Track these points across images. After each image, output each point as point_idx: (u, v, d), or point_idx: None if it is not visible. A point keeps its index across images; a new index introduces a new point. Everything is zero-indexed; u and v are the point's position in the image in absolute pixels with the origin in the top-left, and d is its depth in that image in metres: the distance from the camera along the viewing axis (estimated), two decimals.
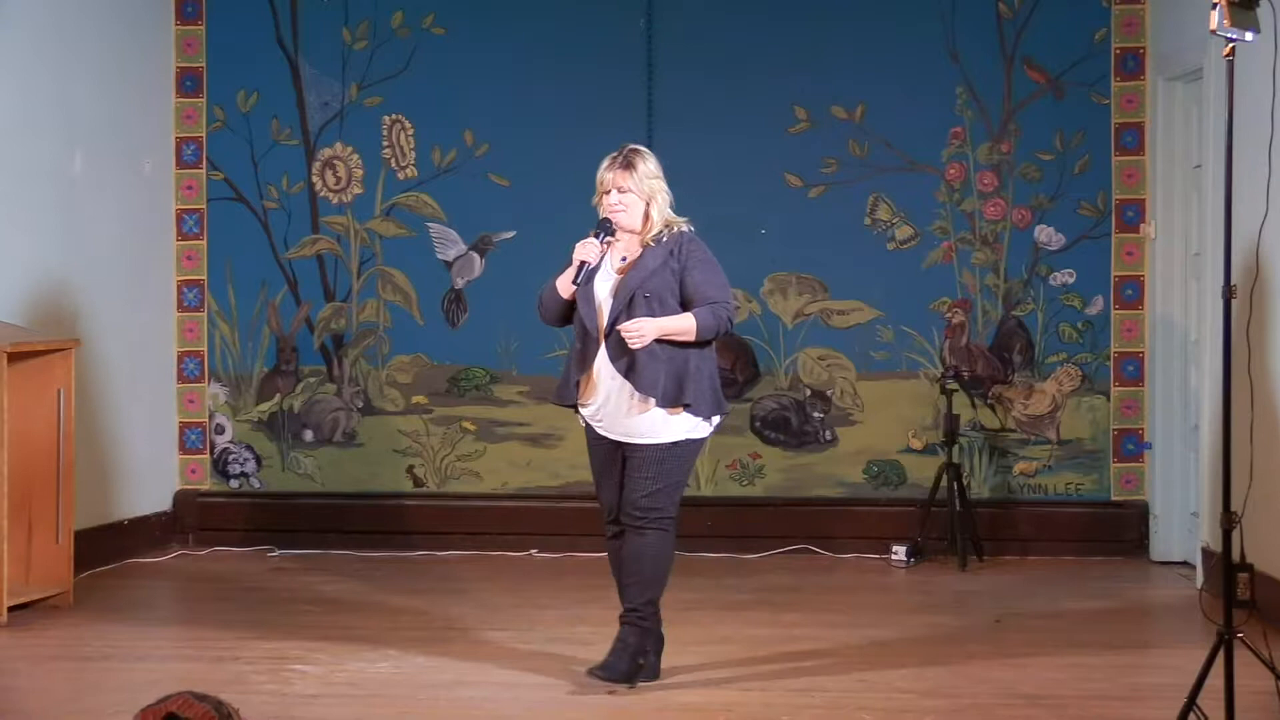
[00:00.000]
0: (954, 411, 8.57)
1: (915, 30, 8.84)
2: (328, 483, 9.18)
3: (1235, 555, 5.15)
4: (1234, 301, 5.04)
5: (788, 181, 8.94)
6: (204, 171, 9.22)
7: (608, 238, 5.87)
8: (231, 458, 9.24)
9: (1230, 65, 4.99)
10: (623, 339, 5.73)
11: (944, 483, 8.46)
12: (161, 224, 9.15)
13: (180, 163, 9.22)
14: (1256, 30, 4.98)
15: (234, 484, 9.24)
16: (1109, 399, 8.81)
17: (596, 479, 6.00)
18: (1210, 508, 7.52)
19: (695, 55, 8.95)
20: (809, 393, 8.96)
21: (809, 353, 8.95)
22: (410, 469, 9.15)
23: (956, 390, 8.69)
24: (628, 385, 5.77)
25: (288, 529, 9.06)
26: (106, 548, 8.41)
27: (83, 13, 8.40)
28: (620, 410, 5.81)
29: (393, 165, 9.15)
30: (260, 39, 9.17)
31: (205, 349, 9.24)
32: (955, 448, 8.59)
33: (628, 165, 5.83)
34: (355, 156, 9.16)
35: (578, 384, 5.91)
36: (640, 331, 5.71)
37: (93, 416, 8.08)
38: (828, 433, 8.95)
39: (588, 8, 9.02)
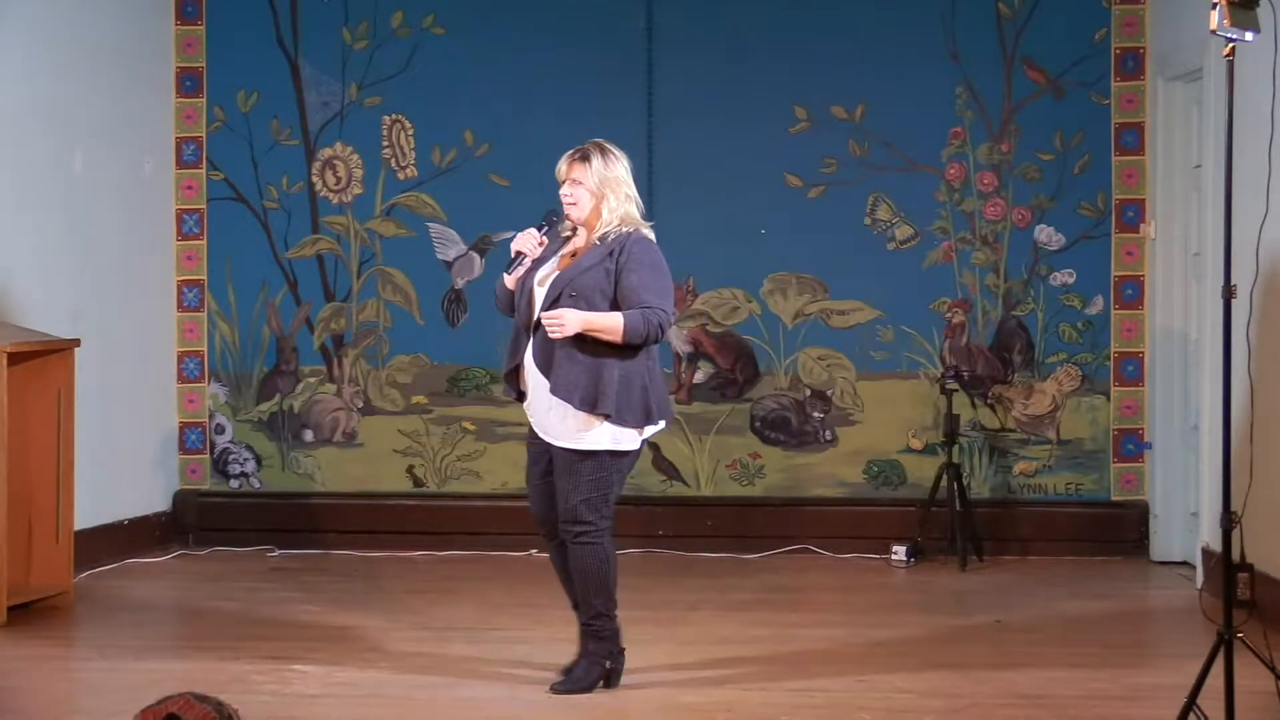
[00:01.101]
0: (954, 411, 8.57)
1: (915, 30, 8.84)
2: (328, 483, 9.19)
3: (1235, 555, 5.14)
4: (1234, 301, 5.04)
5: (788, 181, 8.94)
6: (204, 171, 9.22)
7: (549, 230, 5.83)
8: (231, 458, 9.25)
9: (1230, 65, 4.99)
10: (547, 333, 5.64)
11: (944, 483, 8.46)
12: (161, 224, 9.16)
13: (180, 163, 9.22)
14: (1256, 30, 4.98)
15: (234, 484, 9.24)
16: (1109, 399, 8.81)
17: (527, 481, 5.96)
18: (1210, 508, 7.51)
19: (695, 54, 8.95)
20: (809, 393, 8.96)
21: (809, 353, 8.95)
22: (410, 469, 9.16)
23: (956, 390, 8.69)
24: (546, 381, 5.70)
25: (288, 529, 9.06)
26: (106, 548, 8.41)
27: (83, 13, 8.40)
28: (542, 408, 5.74)
29: (393, 165, 9.15)
30: (260, 39, 9.17)
31: (205, 349, 9.24)
32: (955, 448, 8.58)
33: (584, 158, 5.78)
34: (355, 156, 9.17)
35: (513, 374, 5.86)
36: (561, 321, 5.57)
37: (93, 416, 8.08)
38: (828, 433, 8.95)
39: (587, 7, 9.02)
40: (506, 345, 5.91)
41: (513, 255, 5.79)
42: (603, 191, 5.75)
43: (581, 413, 5.64)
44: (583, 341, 5.64)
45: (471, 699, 5.79)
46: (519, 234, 5.81)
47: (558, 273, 5.75)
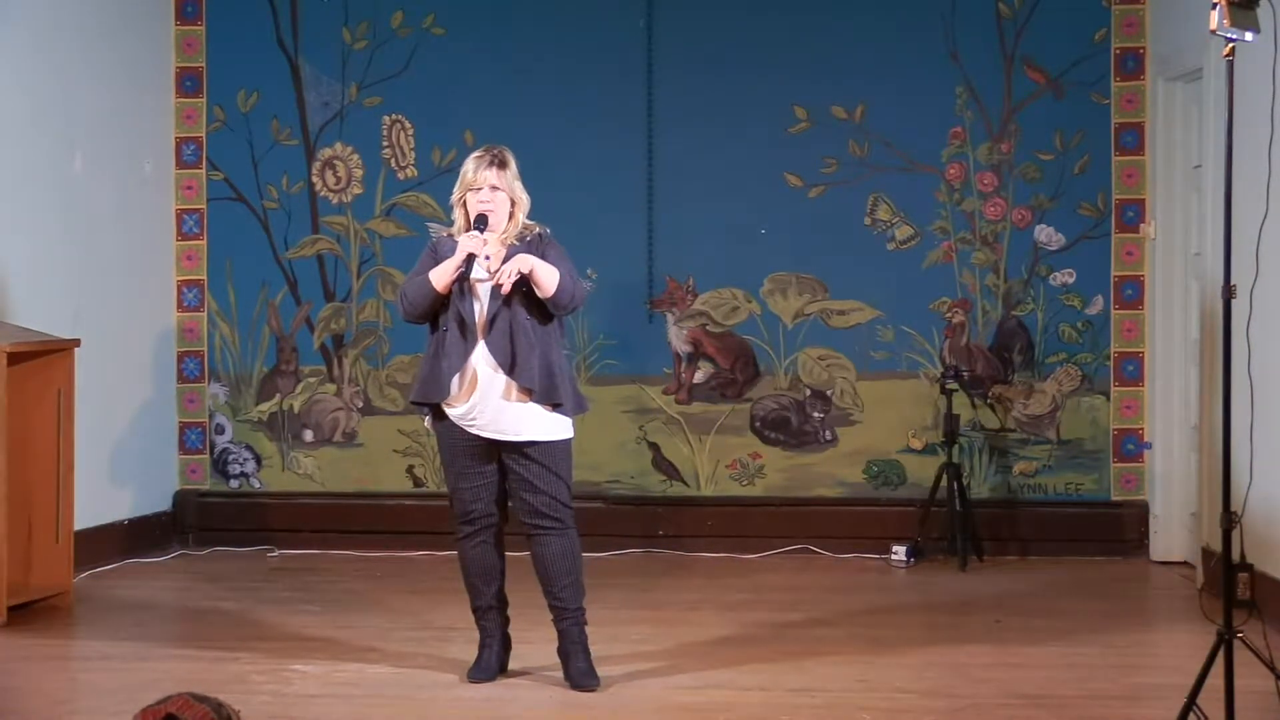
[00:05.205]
0: (954, 411, 8.58)
1: (915, 30, 8.85)
2: (328, 483, 9.19)
3: (1235, 555, 5.14)
4: (1234, 301, 5.04)
5: (788, 181, 8.94)
6: (204, 171, 9.22)
7: (487, 233, 5.87)
8: (231, 458, 9.25)
9: (1230, 65, 4.99)
10: (502, 334, 5.76)
11: (944, 483, 8.47)
12: (161, 224, 9.16)
13: (180, 163, 9.22)
14: (1256, 30, 4.98)
15: (234, 484, 9.24)
16: (1109, 399, 8.82)
17: (456, 480, 5.93)
18: (1210, 508, 7.51)
19: (695, 55, 8.95)
20: (809, 393, 8.96)
21: (809, 353, 8.96)
22: (410, 469, 9.16)
23: (956, 390, 8.69)
24: (505, 380, 5.77)
25: (288, 529, 9.06)
26: (106, 548, 8.41)
27: (83, 13, 8.40)
28: (498, 406, 5.79)
29: (393, 165, 9.15)
30: (260, 39, 9.18)
31: (205, 349, 9.24)
32: (955, 448, 8.59)
33: (501, 164, 5.87)
34: (355, 156, 9.17)
35: (434, 384, 5.87)
36: (519, 268, 5.70)
37: (93, 416, 8.08)
38: (828, 433, 8.95)
39: (588, 8, 9.02)
40: (428, 363, 5.91)
41: (465, 258, 5.79)
42: (517, 196, 5.92)
43: (537, 403, 5.79)
44: (532, 331, 5.79)
45: (471, 699, 5.80)
46: (465, 237, 5.84)
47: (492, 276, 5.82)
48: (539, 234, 5.92)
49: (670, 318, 9.01)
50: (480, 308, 5.83)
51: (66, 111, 8.23)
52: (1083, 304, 8.84)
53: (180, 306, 9.25)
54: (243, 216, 9.22)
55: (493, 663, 6.04)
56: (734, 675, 6.09)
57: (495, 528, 5.99)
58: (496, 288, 5.78)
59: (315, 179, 9.20)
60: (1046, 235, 8.85)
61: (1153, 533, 8.62)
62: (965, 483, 8.55)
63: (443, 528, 8.95)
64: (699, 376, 9.00)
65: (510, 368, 5.78)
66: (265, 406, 9.24)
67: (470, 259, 5.79)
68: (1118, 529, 8.75)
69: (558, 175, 8.61)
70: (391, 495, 9.13)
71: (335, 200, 9.20)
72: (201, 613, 7.51)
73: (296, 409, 9.22)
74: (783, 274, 8.97)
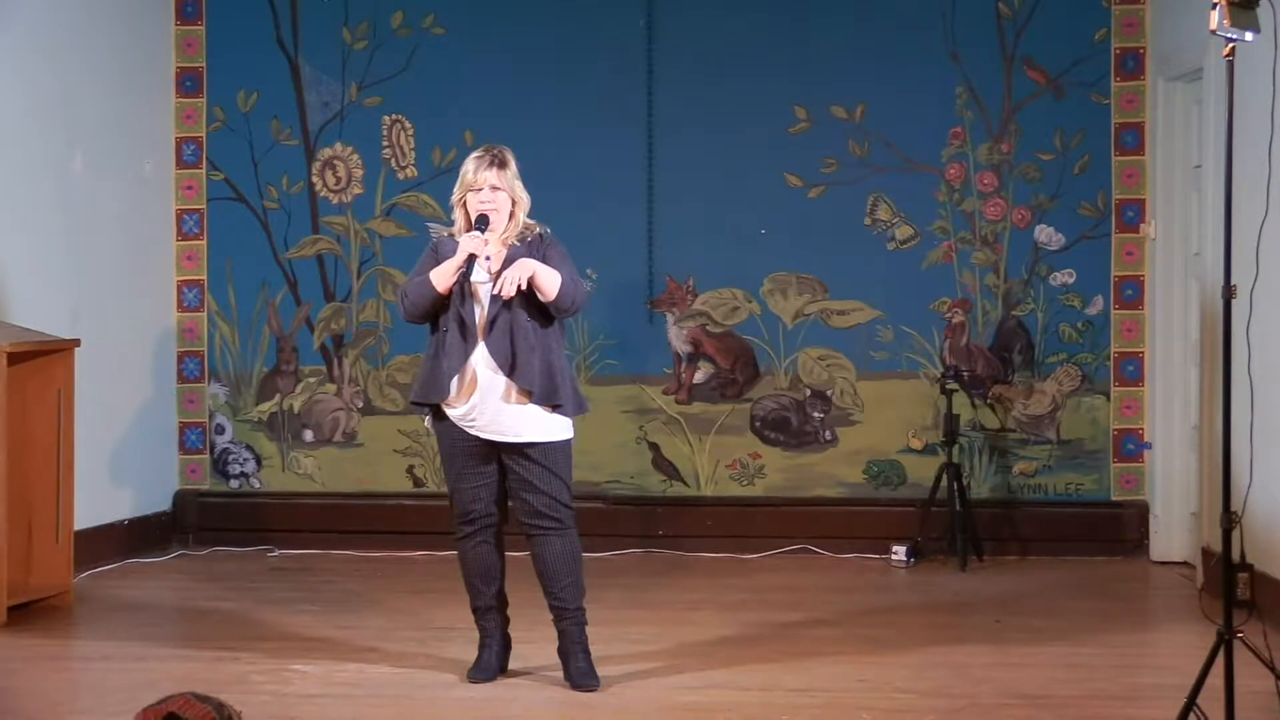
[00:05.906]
0: (954, 411, 8.58)
1: (915, 30, 8.85)
2: (328, 483, 9.19)
3: (1235, 555, 5.14)
4: (1234, 301, 5.04)
5: (788, 181, 8.94)
6: (204, 171, 9.22)
7: (488, 233, 5.87)
8: (231, 458, 9.25)
9: (1230, 65, 4.99)
10: (502, 335, 5.76)
11: (944, 483, 8.47)
12: (161, 224, 9.16)
13: (180, 163, 9.22)
14: (1256, 30, 4.98)
15: (234, 484, 9.25)
16: (1109, 399, 8.82)
17: (456, 480, 5.93)
18: (1210, 508, 7.51)
19: (695, 55, 8.95)
20: (809, 393, 8.96)
21: (809, 353, 8.96)
22: (410, 469, 9.16)
23: (956, 390, 8.69)
24: (505, 381, 5.77)
25: (288, 529, 9.06)
26: (106, 548, 8.41)
27: (83, 13, 8.40)
28: (497, 407, 5.80)
29: (393, 165, 9.15)
30: (260, 39, 9.18)
31: (205, 349, 9.24)
32: (955, 448, 8.59)
33: (501, 164, 5.87)
34: (355, 156, 9.17)
35: (434, 384, 5.87)
36: (521, 273, 5.70)
37: (93, 416, 8.08)
38: (828, 433, 8.95)
39: (588, 7, 9.02)
40: (428, 363, 5.91)
41: (466, 258, 5.79)
42: (517, 196, 5.92)
43: (537, 404, 5.79)
44: (533, 333, 5.79)
45: (471, 699, 5.80)
46: (466, 238, 5.83)
47: (493, 277, 5.81)
48: (540, 234, 5.92)
49: (670, 318, 9.01)
50: (480, 309, 5.84)
51: (66, 111, 8.23)
52: (1083, 304, 8.84)
53: (180, 306, 9.25)
54: (243, 217, 9.22)
55: (493, 663, 6.04)
56: (734, 675, 6.09)
57: (495, 528, 5.99)
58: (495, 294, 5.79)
59: (315, 179, 9.20)
60: (1046, 235, 8.86)
61: (1153, 533, 8.62)
62: (965, 483, 8.55)
63: (443, 528, 8.94)
64: (699, 376, 9.01)
65: (510, 369, 5.79)
66: (265, 406, 9.24)
67: (471, 260, 5.80)
68: (1118, 529, 8.75)
69: (558, 175, 8.60)
70: (391, 495, 9.14)
71: (335, 200, 9.20)
72: (201, 613, 7.51)
73: (296, 409, 9.22)
74: (783, 274, 8.97)
